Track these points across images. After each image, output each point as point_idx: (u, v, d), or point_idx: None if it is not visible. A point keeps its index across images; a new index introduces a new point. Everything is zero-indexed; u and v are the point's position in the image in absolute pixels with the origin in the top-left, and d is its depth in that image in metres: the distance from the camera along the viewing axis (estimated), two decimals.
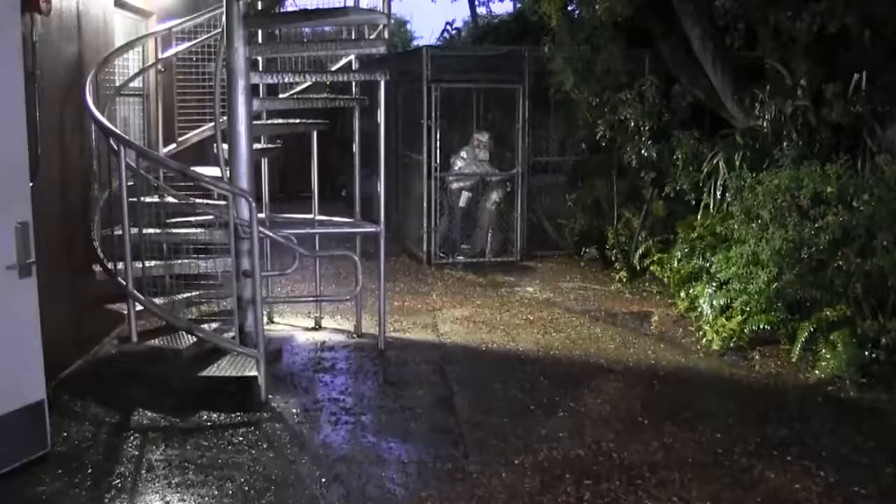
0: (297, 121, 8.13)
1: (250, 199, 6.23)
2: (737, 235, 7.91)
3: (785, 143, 8.18)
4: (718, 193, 8.84)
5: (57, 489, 4.80)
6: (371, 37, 7.64)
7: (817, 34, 7.94)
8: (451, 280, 10.39)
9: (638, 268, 10.10)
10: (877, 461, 5.31)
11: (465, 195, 11.50)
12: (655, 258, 9.66)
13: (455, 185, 11.56)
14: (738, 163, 8.62)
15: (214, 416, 5.92)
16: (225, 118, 6.65)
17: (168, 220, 7.17)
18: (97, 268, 6.56)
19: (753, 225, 7.66)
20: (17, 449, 4.95)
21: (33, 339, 5.00)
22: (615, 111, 9.93)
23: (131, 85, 7.57)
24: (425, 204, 11.08)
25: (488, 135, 11.43)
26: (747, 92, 8.98)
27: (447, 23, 18.87)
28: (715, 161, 8.96)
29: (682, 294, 8.68)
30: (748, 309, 7.46)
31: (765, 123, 8.47)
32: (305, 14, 7.12)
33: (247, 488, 4.87)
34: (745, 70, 9.33)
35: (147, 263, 6.43)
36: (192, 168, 6.56)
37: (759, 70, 9.13)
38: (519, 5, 18.20)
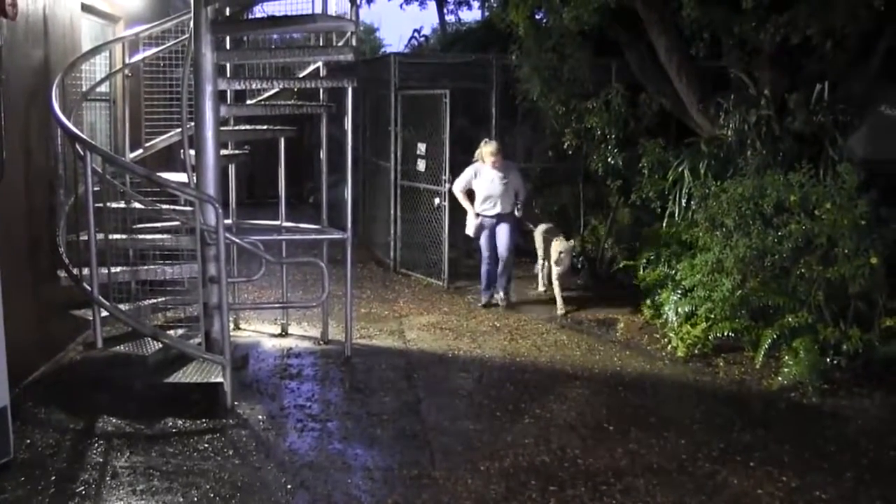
0: (265, 127, 8.12)
1: (217, 204, 6.21)
2: (701, 243, 7.99)
3: (749, 152, 8.29)
4: (683, 201, 8.93)
5: (20, 497, 4.75)
6: (339, 44, 7.65)
7: (781, 44, 8.05)
8: (417, 287, 10.39)
9: (604, 275, 10.17)
10: (838, 467, 5.39)
11: (474, 221, 9.53)
12: (621, 265, 9.73)
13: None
14: (702, 171, 8.73)
15: (180, 422, 5.89)
16: (192, 124, 6.63)
17: (134, 226, 7.12)
18: (62, 273, 6.50)
19: (718, 233, 7.73)
20: None
21: None
22: (582, 119, 10.00)
23: (98, 90, 7.52)
24: (391, 211, 11.08)
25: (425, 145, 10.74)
26: (712, 101, 9.08)
27: (415, 30, 18.93)
28: (680, 169, 9.05)
29: (647, 301, 8.76)
30: (712, 316, 7.54)
31: (729, 132, 8.56)
32: (273, 21, 7.12)
33: (212, 495, 4.85)
34: (711, 79, 9.45)
35: (113, 269, 6.39)
36: (159, 174, 6.53)
37: (723, 79, 9.25)
38: (487, 13, 18.28)
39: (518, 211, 9.48)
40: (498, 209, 9.39)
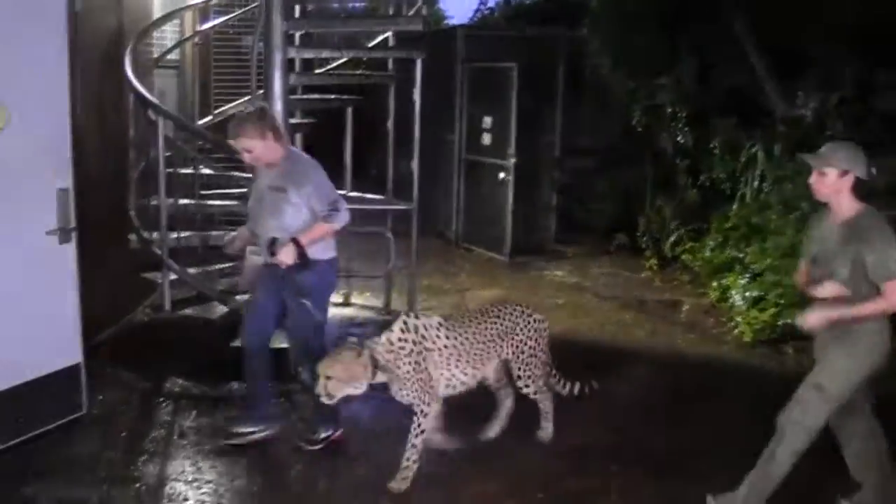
0: (333, 96, 8.11)
1: None
2: (773, 226, 7.82)
3: (829, 133, 8.06)
4: (755, 183, 8.74)
5: (92, 450, 4.89)
6: (409, 14, 7.61)
7: (864, 21, 7.81)
8: (479, 261, 10.37)
9: (669, 256, 10.02)
10: None
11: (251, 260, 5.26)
12: (687, 247, 9.58)
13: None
14: (777, 152, 8.53)
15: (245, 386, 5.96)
16: (261, 92, 6.65)
17: (203, 192, 7.19)
18: (132, 237, 6.59)
19: (791, 216, 7.57)
20: (54, 410, 5.05)
21: (71, 304, 5.10)
22: (651, 96, 9.85)
23: (168, 57, 7.59)
24: (454, 184, 11.06)
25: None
26: (790, 80, 8.85)
27: (480, 2, 18.68)
28: (753, 150, 8.86)
29: (714, 284, 8.60)
30: (782, 301, 7.37)
31: (808, 112, 8.34)
32: None
33: (276, 458, 4.92)
34: (788, 57, 9.20)
35: (182, 234, 6.46)
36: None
37: (803, 57, 8.99)
38: None
39: (273, 251, 4.76)
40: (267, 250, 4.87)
